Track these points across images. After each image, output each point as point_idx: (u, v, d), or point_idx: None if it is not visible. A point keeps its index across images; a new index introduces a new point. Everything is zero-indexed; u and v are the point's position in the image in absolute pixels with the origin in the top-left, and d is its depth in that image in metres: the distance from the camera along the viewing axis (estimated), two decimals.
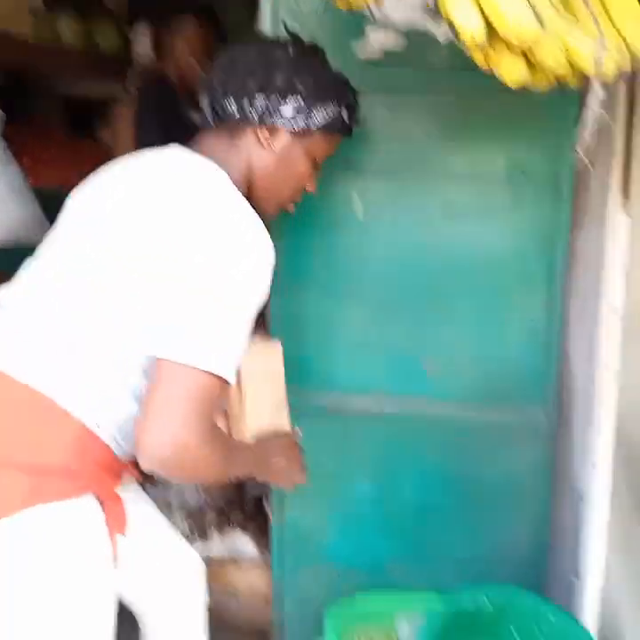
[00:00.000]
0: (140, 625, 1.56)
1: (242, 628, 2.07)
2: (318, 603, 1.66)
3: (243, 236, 1.07)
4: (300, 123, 1.20)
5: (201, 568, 1.52)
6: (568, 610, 1.49)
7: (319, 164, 1.29)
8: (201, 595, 1.54)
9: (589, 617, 1.50)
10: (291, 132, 1.21)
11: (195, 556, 1.50)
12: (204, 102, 1.22)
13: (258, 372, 1.37)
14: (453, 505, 1.67)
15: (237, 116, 1.19)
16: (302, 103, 1.18)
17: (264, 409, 1.41)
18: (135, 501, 1.33)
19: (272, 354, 1.41)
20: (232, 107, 1.19)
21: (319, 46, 1.26)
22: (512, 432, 1.66)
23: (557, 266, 1.57)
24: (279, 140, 1.22)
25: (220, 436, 1.16)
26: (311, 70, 1.20)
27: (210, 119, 1.22)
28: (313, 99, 1.19)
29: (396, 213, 1.60)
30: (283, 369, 1.42)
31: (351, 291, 1.62)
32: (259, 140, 1.21)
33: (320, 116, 1.20)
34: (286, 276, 1.59)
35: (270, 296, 1.25)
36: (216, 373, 1.03)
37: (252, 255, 1.07)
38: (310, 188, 1.32)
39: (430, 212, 1.59)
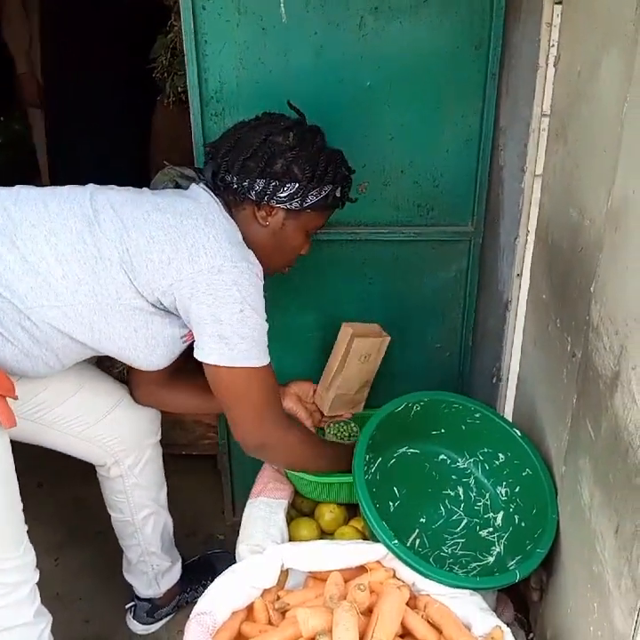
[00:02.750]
0: (100, 474, 1.64)
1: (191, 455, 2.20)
2: None
3: None
4: (296, 204, 1.30)
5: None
6: (490, 405, 1.61)
7: (313, 234, 1.41)
8: (155, 432, 1.64)
9: (508, 409, 1.64)
10: (286, 211, 1.31)
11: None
12: (208, 170, 1.34)
13: (361, 356, 1.59)
14: (388, 321, 1.72)
15: (238, 193, 1.30)
16: (299, 188, 1.28)
17: (353, 385, 1.63)
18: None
19: (381, 344, 1.63)
20: (233, 184, 1.30)
21: (319, 129, 1.36)
22: (442, 245, 1.69)
23: (492, 64, 1.51)
24: (275, 218, 1.33)
25: (300, 429, 1.46)
26: (309, 156, 1.29)
27: (211, 186, 1.33)
28: (309, 184, 1.29)
29: (322, 16, 1.48)
30: (381, 358, 1.65)
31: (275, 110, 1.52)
32: (255, 216, 1.32)
33: (315, 197, 1.31)
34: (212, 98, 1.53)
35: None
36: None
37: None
38: (304, 252, 1.43)
39: (359, 9, 1.47)
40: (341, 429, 1.64)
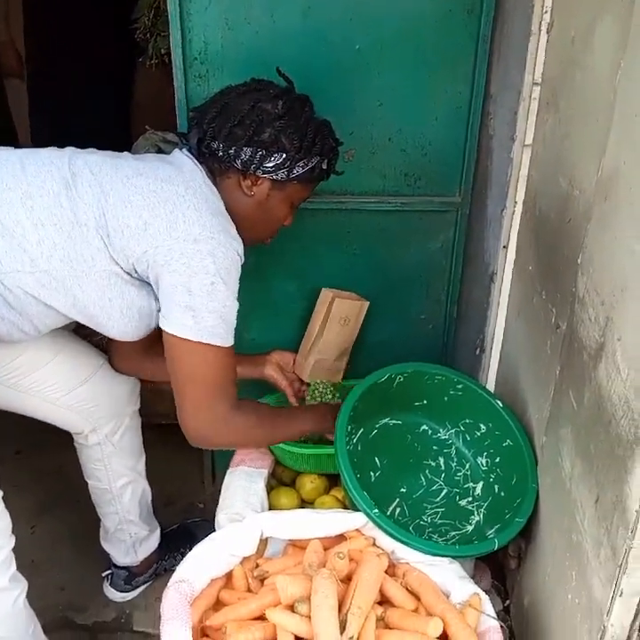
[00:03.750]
0: (77, 442, 1.62)
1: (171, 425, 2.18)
2: None
3: None
4: (282, 175, 1.27)
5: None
6: (473, 376, 1.61)
7: (297, 206, 1.38)
8: (134, 400, 1.63)
9: (491, 380, 1.64)
10: (271, 181, 1.28)
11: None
12: (193, 137, 1.29)
13: (341, 318, 1.59)
14: (372, 292, 1.71)
15: (223, 161, 1.26)
16: (286, 159, 1.26)
17: (332, 350, 1.63)
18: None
19: (360, 307, 1.64)
20: (219, 151, 1.26)
21: (308, 98, 1.32)
22: (429, 216, 1.68)
23: (484, 29, 1.48)
24: (260, 188, 1.29)
25: (251, 404, 1.36)
26: (297, 126, 1.26)
27: (195, 153, 1.29)
28: (296, 155, 1.26)
29: None
30: (360, 324, 1.65)
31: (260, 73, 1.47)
32: (240, 185, 1.29)
33: (301, 168, 1.28)
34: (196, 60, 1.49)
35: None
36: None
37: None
38: (287, 223, 1.40)
39: None
40: (322, 391, 1.63)
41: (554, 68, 1.28)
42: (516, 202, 1.45)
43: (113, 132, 2.66)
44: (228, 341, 1.24)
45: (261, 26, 1.48)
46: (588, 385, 1.05)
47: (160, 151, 2.04)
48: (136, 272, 1.21)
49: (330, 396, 1.61)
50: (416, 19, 1.47)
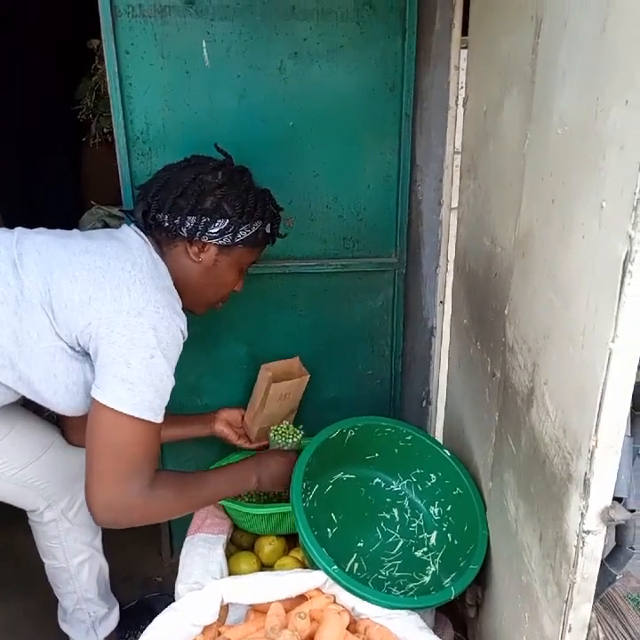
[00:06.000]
0: (31, 520, 1.58)
1: None
2: None
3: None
4: (227, 240, 1.33)
5: None
6: (421, 427, 1.66)
7: (245, 270, 1.43)
8: None
9: (439, 430, 1.70)
10: (218, 247, 1.33)
11: None
12: (139, 210, 1.35)
13: (281, 396, 1.63)
14: (320, 351, 1.77)
15: (169, 231, 1.32)
16: (229, 224, 1.32)
17: (275, 419, 1.67)
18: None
19: (300, 383, 1.67)
20: (165, 222, 1.32)
21: (246, 169, 1.40)
22: (368, 276, 1.75)
23: (406, 105, 1.60)
24: (207, 254, 1.34)
25: (167, 477, 1.29)
26: (238, 194, 1.33)
27: (142, 226, 1.34)
28: (239, 220, 1.32)
29: (243, 60, 1.54)
30: (302, 393, 1.70)
31: (201, 150, 1.56)
32: (188, 252, 1.34)
33: (245, 233, 1.34)
34: (138, 139, 1.56)
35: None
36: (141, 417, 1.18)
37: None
38: (238, 289, 1.44)
39: (279, 54, 1.54)
40: (283, 433, 1.64)
41: (471, 139, 1.40)
42: (447, 260, 1.54)
43: (67, 204, 2.73)
44: (159, 418, 1.22)
45: (200, 107, 1.57)
46: (524, 428, 1.12)
47: (106, 225, 2.09)
48: (79, 345, 1.22)
49: (290, 439, 1.62)
50: (343, 97, 1.59)
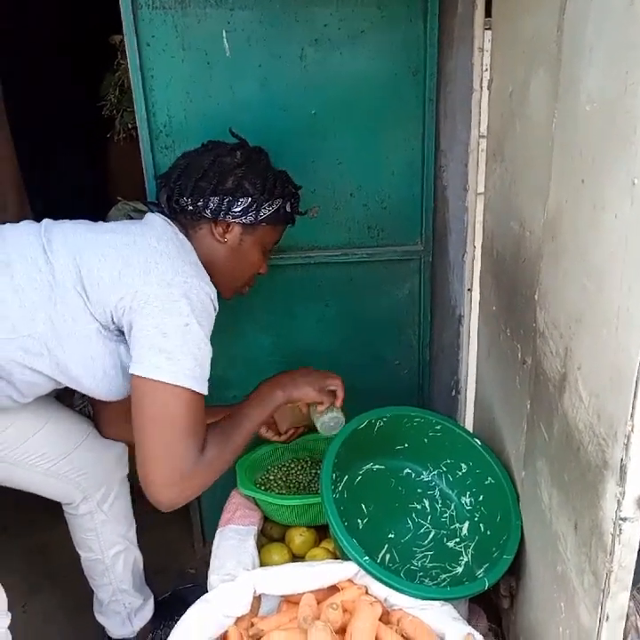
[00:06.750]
0: (67, 513, 1.61)
1: None
2: None
3: None
4: (251, 218, 1.34)
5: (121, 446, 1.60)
6: (450, 417, 1.64)
7: (269, 250, 1.44)
8: (123, 466, 1.63)
9: (468, 419, 1.67)
10: (242, 226, 1.35)
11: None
12: (162, 196, 1.38)
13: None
14: (346, 342, 1.75)
15: (193, 213, 1.33)
16: (252, 202, 1.33)
17: (306, 415, 1.55)
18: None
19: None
20: (188, 206, 1.33)
21: (262, 149, 1.41)
22: (394, 265, 1.74)
23: (429, 90, 1.58)
24: (232, 234, 1.36)
25: (210, 437, 1.26)
26: (258, 172, 1.35)
27: (168, 211, 1.37)
28: (260, 197, 1.33)
29: (264, 49, 1.53)
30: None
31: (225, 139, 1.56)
32: (213, 233, 1.35)
33: (267, 210, 1.35)
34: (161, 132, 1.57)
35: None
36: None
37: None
38: (262, 271, 1.46)
39: (300, 42, 1.53)
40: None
41: (497, 121, 1.37)
42: (474, 246, 1.52)
43: (88, 204, 2.76)
44: (203, 389, 1.21)
45: (222, 97, 1.56)
46: (556, 415, 1.09)
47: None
48: (113, 323, 1.23)
49: (333, 411, 1.51)
50: (365, 82, 1.57)
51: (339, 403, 1.48)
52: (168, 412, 1.17)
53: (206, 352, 1.22)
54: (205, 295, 1.22)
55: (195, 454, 1.20)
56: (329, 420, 1.48)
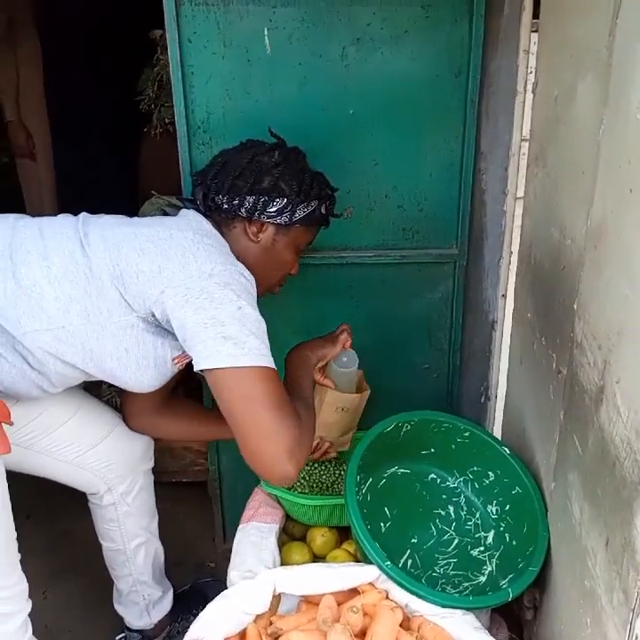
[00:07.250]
0: (91, 503, 1.62)
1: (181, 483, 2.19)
2: None
3: None
4: (285, 219, 1.34)
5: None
6: (479, 423, 1.62)
7: (301, 251, 1.43)
8: (148, 458, 1.63)
9: (497, 427, 1.65)
10: (276, 226, 1.35)
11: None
12: (198, 194, 1.38)
13: (337, 408, 1.54)
14: (375, 343, 1.74)
15: (228, 211, 1.33)
16: (287, 203, 1.33)
17: (332, 431, 1.58)
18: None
19: (360, 399, 1.57)
20: (224, 204, 1.33)
21: (300, 150, 1.41)
22: (428, 268, 1.72)
23: (471, 91, 1.56)
24: (266, 234, 1.36)
25: (302, 414, 1.28)
26: (294, 173, 1.35)
27: (203, 209, 1.37)
28: (296, 198, 1.34)
29: (305, 47, 1.52)
30: (361, 411, 1.60)
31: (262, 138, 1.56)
32: (246, 232, 1.35)
33: (302, 212, 1.35)
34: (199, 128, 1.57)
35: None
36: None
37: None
38: (294, 272, 1.46)
39: (341, 41, 1.52)
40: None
41: (540, 125, 1.34)
42: (511, 252, 1.49)
43: (122, 200, 2.79)
44: (273, 363, 1.21)
45: (260, 95, 1.56)
46: (591, 428, 1.07)
47: (165, 215, 2.11)
48: (153, 316, 1.23)
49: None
50: (406, 83, 1.55)
51: (348, 344, 1.50)
52: (257, 394, 1.17)
53: (263, 326, 1.23)
54: (245, 280, 1.24)
55: (297, 419, 1.22)
56: (342, 355, 1.50)
